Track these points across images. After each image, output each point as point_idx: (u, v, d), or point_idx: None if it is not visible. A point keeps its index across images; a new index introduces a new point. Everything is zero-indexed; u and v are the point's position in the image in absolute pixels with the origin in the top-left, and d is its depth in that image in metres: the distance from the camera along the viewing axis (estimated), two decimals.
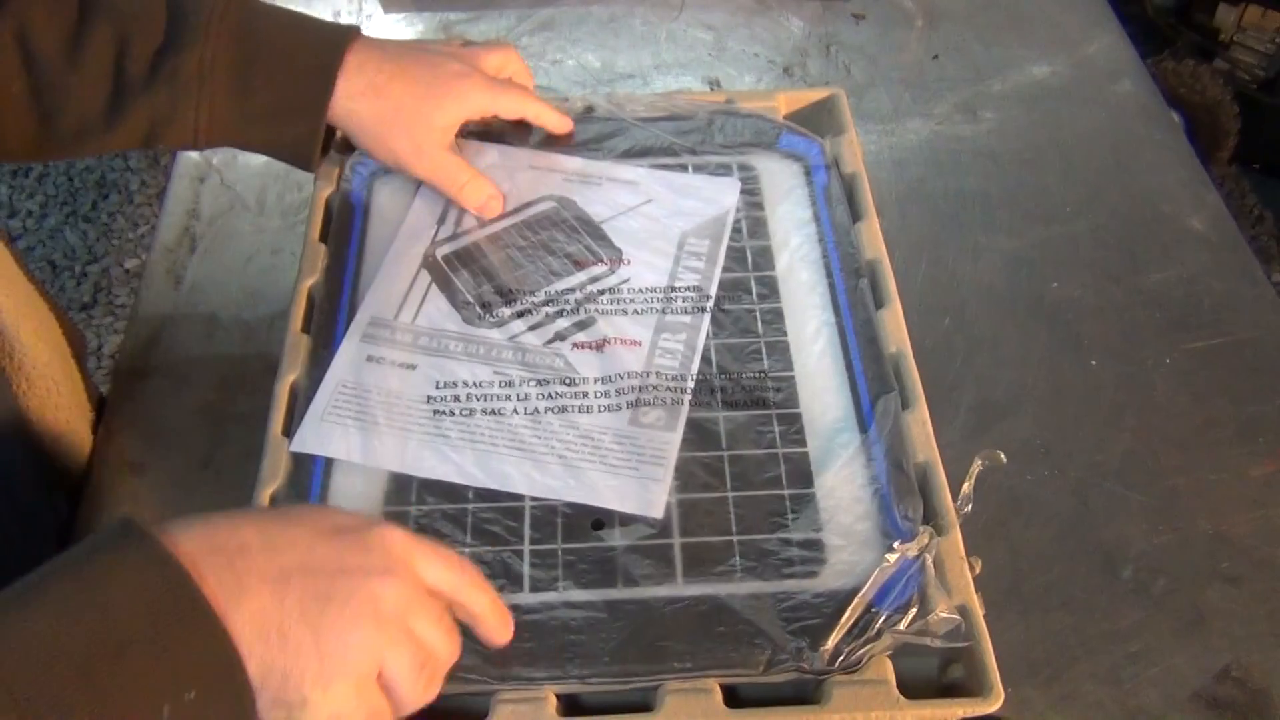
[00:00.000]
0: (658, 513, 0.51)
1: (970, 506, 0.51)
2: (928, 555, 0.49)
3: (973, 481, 0.51)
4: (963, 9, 0.96)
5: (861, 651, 0.47)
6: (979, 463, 0.52)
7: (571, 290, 0.60)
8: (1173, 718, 0.54)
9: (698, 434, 0.54)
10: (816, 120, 0.75)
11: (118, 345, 0.66)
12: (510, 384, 0.55)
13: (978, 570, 0.51)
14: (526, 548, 0.50)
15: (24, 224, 1.94)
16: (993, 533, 0.60)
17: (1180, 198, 0.80)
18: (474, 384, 0.56)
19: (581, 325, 0.58)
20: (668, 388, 0.55)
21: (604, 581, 0.49)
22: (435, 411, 0.55)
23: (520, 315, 0.59)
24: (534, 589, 0.49)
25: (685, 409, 0.55)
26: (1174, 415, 0.66)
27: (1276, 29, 1.76)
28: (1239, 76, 1.80)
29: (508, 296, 0.60)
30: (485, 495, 0.52)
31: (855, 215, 0.67)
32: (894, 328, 0.60)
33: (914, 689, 0.48)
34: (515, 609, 0.48)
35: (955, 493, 0.53)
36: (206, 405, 0.66)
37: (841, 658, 0.47)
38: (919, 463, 0.55)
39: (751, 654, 0.47)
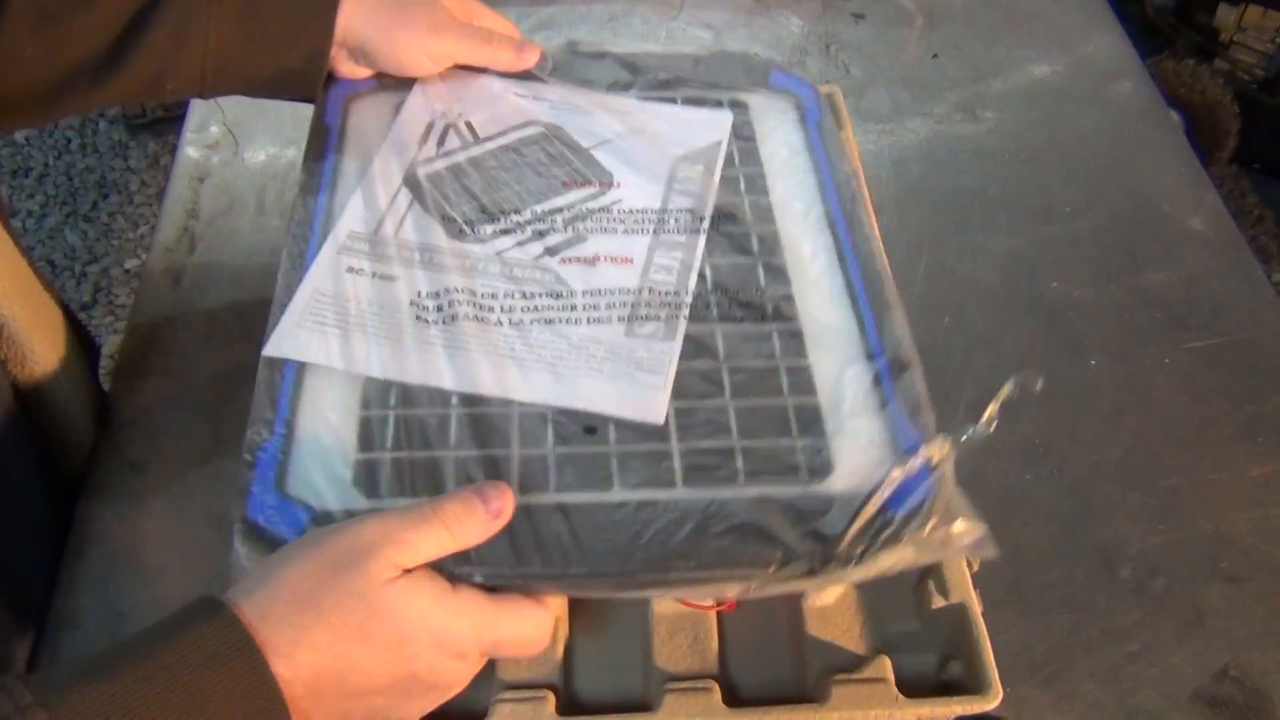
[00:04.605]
0: (658, 418, 0.49)
1: (994, 427, 0.47)
2: (945, 465, 0.47)
3: (1000, 403, 0.48)
4: (963, 9, 0.96)
5: (880, 552, 0.44)
6: (1009, 387, 0.49)
7: (559, 209, 0.58)
8: (1172, 717, 0.54)
9: (695, 347, 0.52)
10: None
11: (118, 345, 0.66)
12: (495, 295, 0.53)
13: (975, 568, 0.51)
14: (515, 452, 0.48)
15: (24, 224, 1.94)
16: (993, 532, 0.60)
17: (1180, 198, 0.80)
18: (458, 290, 0.53)
19: (571, 242, 0.56)
20: (663, 302, 0.54)
21: (600, 484, 0.47)
22: (418, 318, 0.52)
23: (506, 232, 0.57)
24: (524, 490, 0.46)
25: (683, 322, 0.53)
26: (1174, 415, 0.66)
27: (1276, 29, 1.76)
28: (1239, 76, 1.80)
29: (492, 215, 0.58)
30: (470, 401, 0.49)
31: None
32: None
33: (913, 687, 0.48)
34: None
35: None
36: (206, 405, 0.66)
37: (857, 556, 0.44)
38: None
39: (761, 553, 0.45)
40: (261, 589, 0.39)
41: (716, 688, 0.48)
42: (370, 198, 0.58)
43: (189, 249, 0.75)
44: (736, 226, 0.58)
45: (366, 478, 0.46)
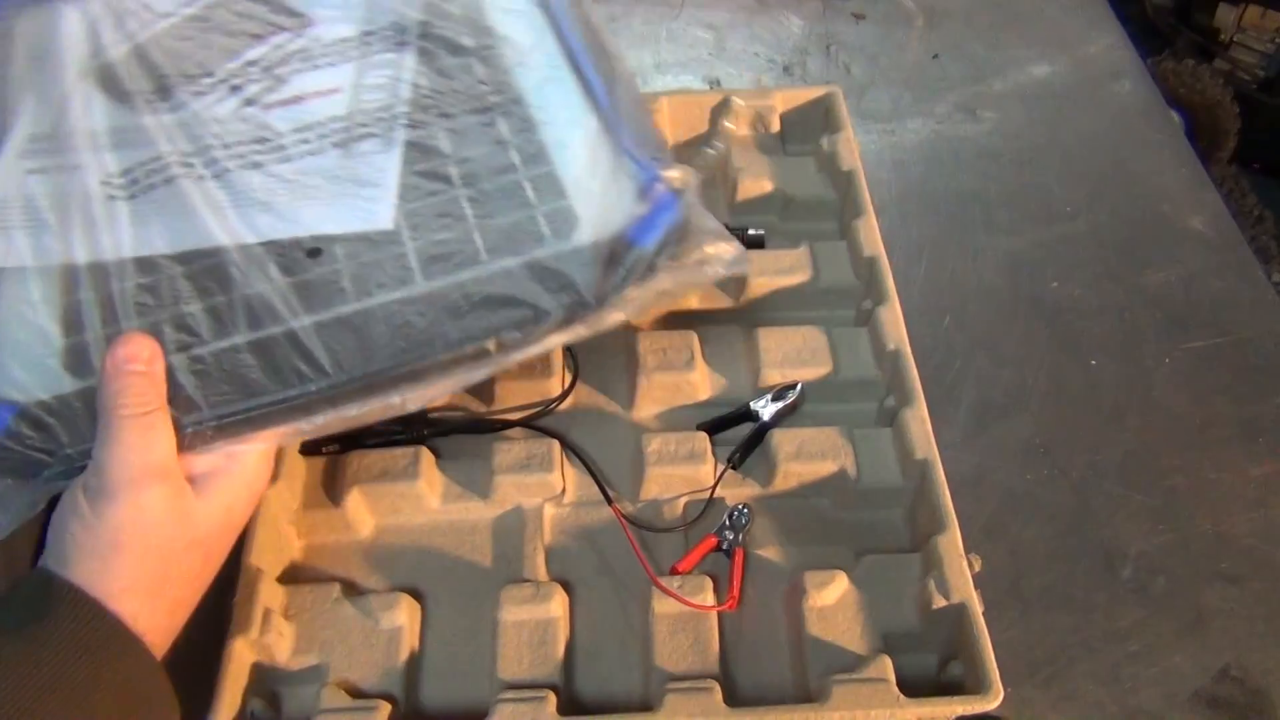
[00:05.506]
0: (386, 223, 0.49)
1: (726, 146, 0.49)
2: (687, 190, 0.48)
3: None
4: (963, 9, 0.96)
5: (637, 286, 0.46)
6: None
7: (254, 62, 0.56)
8: (1172, 717, 0.54)
9: (420, 152, 0.51)
10: (814, 118, 0.75)
11: None
12: (194, 154, 0.52)
13: (977, 568, 0.51)
14: (237, 294, 0.47)
15: None
16: (993, 532, 0.60)
17: (1180, 198, 0.80)
18: (152, 160, 0.51)
19: (270, 89, 0.55)
20: (378, 119, 0.53)
21: (331, 302, 0.47)
22: (110, 197, 0.50)
23: (199, 95, 0.54)
24: (253, 327, 0.46)
25: (401, 132, 0.52)
26: (1174, 415, 0.66)
27: (1276, 29, 1.76)
28: (1239, 76, 1.80)
29: (183, 83, 0.55)
30: (184, 260, 0.48)
31: (853, 213, 0.67)
32: (892, 325, 0.60)
33: (913, 687, 0.48)
34: (235, 350, 0.46)
35: (954, 493, 0.53)
36: None
37: (613, 296, 0.46)
38: (918, 460, 0.55)
39: (511, 317, 0.46)
40: (102, 575, 0.41)
41: (717, 688, 0.48)
42: (45, 97, 0.55)
43: None
44: (447, 28, 0.56)
45: (76, 360, 0.46)
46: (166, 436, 0.43)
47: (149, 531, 0.42)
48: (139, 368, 0.44)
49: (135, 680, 0.41)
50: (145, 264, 0.48)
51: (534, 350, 0.47)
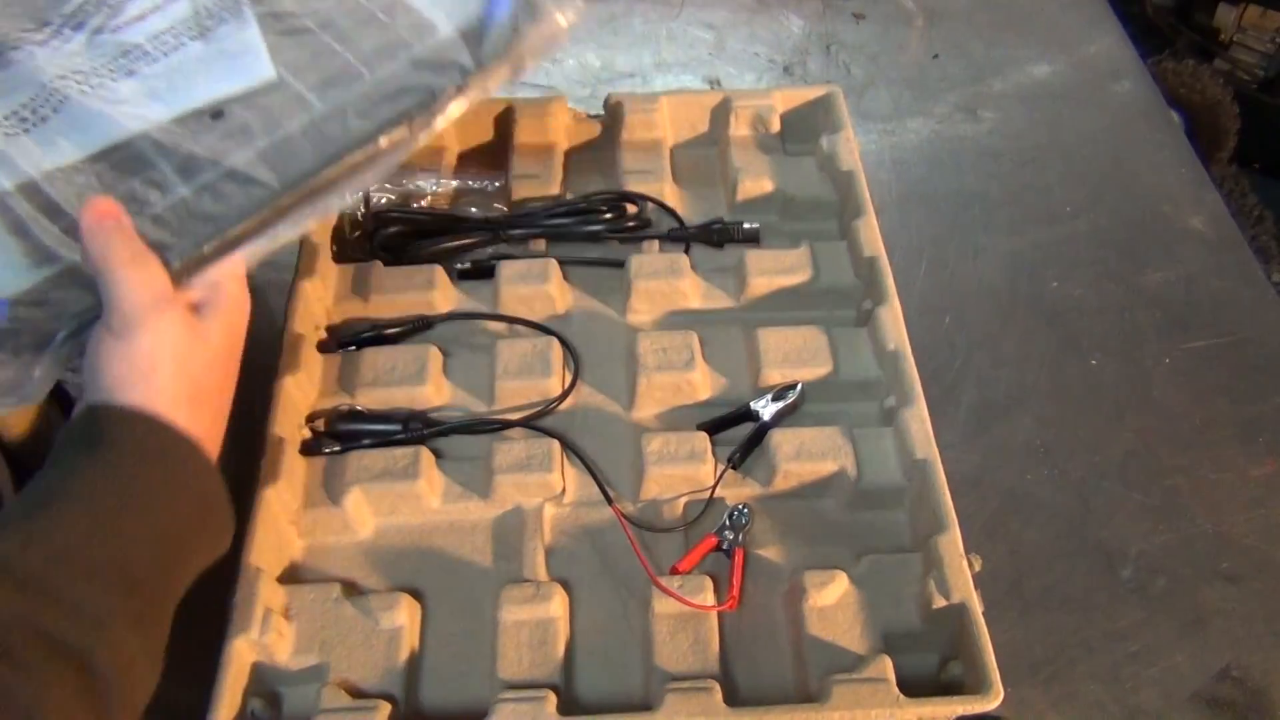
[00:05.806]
0: (269, 73, 0.55)
1: None
2: None
3: None
4: (963, 8, 0.96)
5: (508, 51, 0.54)
6: None
7: (86, 2, 0.60)
8: (1172, 717, 0.54)
9: (272, 19, 0.57)
10: (813, 118, 0.75)
11: None
12: (66, 79, 0.56)
13: (977, 568, 0.51)
14: (163, 164, 0.52)
15: None
16: (993, 532, 0.60)
17: (1180, 198, 0.80)
18: (32, 100, 0.56)
19: (111, 15, 0.60)
20: (222, 7, 0.58)
21: (249, 141, 0.52)
22: (6, 135, 0.55)
23: (46, 42, 0.59)
24: (191, 179, 0.52)
25: (249, 9, 0.58)
26: (1174, 415, 0.66)
27: (1276, 29, 1.76)
28: (1239, 76, 1.80)
29: (28, 35, 0.59)
30: (99, 157, 0.53)
31: (853, 213, 0.67)
32: (892, 325, 0.60)
33: (913, 687, 0.48)
34: (184, 201, 0.51)
35: (954, 493, 0.53)
36: None
37: (495, 58, 0.53)
38: (918, 460, 0.55)
39: (413, 101, 0.53)
40: (147, 395, 0.45)
41: (717, 688, 0.48)
42: None
43: None
44: None
45: (42, 253, 0.50)
46: (161, 272, 0.47)
47: (176, 350, 0.46)
48: (112, 223, 0.48)
49: (201, 482, 0.45)
50: (69, 170, 0.53)
51: (442, 121, 0.54)
